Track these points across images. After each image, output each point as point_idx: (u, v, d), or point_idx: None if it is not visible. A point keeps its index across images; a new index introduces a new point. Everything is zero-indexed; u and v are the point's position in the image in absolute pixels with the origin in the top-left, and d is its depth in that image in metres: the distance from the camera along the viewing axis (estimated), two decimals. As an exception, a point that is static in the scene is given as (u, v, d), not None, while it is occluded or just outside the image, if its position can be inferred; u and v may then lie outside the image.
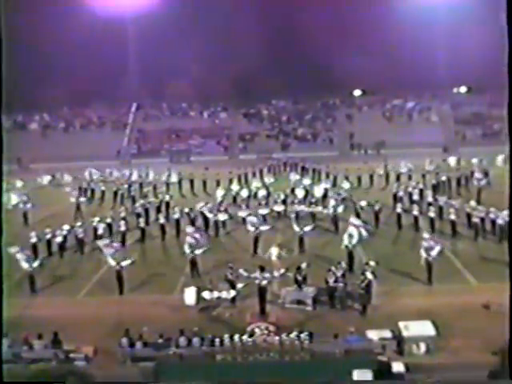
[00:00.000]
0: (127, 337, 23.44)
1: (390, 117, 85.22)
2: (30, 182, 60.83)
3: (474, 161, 59.38)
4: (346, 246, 32.54)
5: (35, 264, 31.27)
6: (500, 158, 58.10)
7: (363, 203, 42.32)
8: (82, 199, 48.62)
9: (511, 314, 16.32)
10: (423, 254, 30.35)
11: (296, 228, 36.43)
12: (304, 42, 77.26)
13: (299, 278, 28.42)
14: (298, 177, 57.96)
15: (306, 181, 55.24)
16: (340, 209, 41.74)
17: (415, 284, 30.08)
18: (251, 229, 37.02)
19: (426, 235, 32.16)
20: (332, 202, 43.04)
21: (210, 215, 41.69)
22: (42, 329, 24.16)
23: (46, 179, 63.70)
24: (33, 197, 52.03)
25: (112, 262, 30.51)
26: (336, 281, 27.83)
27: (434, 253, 30.38)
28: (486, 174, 54.55)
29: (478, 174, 51.85)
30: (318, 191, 49.15)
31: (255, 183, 54.88)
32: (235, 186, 52.58)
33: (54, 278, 33.26)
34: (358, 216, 41.75)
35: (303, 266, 29.16)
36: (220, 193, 49.99)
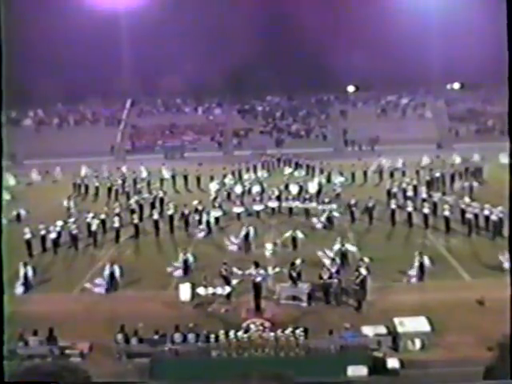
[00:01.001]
0: (122, 333, 23.50)
1: (384, 113, 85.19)
2: (23, 178, 60.82)
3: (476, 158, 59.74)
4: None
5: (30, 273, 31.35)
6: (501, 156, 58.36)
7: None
8: (72, 203, 47.91)
9: (512, 309, 16.31)
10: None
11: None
12: (298, 38, 77.16)
13: (294, 274, 28.51)
14: (290, 170, 59.09)
15: (300, 172, 57.23)
16: (334, 206, 41.91)
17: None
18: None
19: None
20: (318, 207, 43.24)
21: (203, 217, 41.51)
22: (37, 325, 24.19)
23: (40, 176, 63.74)
24: (26, 194, 52.43)
25: None
26: (330, 277, 27.95)
27: None
28: (479, 171, 54.85)
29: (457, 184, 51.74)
30: (312, 187, 49.26)
31: (247, 176, 55.27)
32: (229, 181, 52.73)
33: (48, 274, 33.27)
34: (352, 213, 42.07)
35: (297, 262, 29.26)
36: (214, 186, 50.20)
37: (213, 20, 77.28)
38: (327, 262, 28.94)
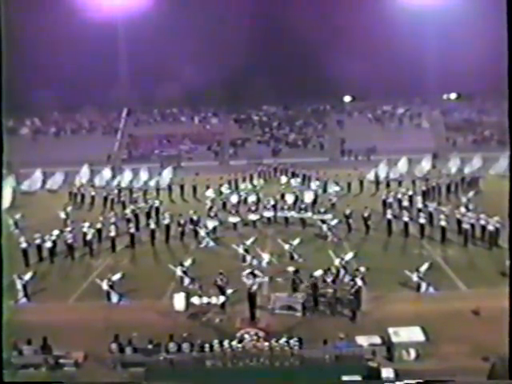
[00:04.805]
0: (117, 342, 23.45)
1: (381, 123, 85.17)
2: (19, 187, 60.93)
3: (473, 168, 60.12)
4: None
5: (27, 277, 31.23)
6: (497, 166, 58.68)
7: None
8: (68, 213, 47.60)
9: (511, 318, 16.42)
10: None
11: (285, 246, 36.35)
12: (294, 48, 77.32)
13: (297, 281, 28.53)
14: (286, 179, 59.51)
15: (296, 180, 57.83)
16: (329, 216, 41.96)
17: (405, 290, 30.14)
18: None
19: None
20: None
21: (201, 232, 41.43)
22: (32, 334, 24.14)
23: (38, 184, 63.87)
24: (22, 202, 52.54)
25: None
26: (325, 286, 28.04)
27: None
28: (476, 181, 54.92)
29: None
30: (308, 197, 49.31)
31: (244, 186, 55.35)
32: (225, 190, 52.83)
33: (44, 283, 33.20)
34: (348, 224, 42.07)
35: (290, 269, 29.35)
36: (210, 194, 50.33)
37: (209, 30, 77.36)
38: (319, 272, 28.90)
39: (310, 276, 28.48)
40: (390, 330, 23.50)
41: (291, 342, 22.32)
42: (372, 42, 74.82)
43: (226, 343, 22.40)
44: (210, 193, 51.34)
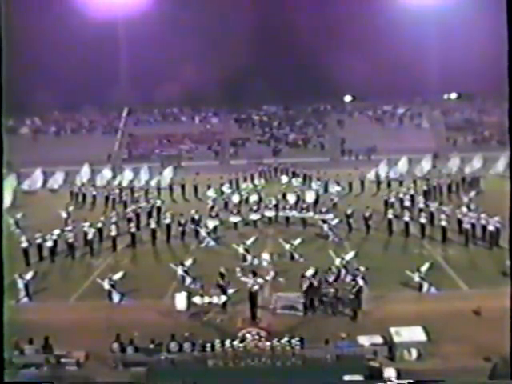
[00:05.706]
0: (118, 342, 23.43)
1: (381, 122, 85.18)
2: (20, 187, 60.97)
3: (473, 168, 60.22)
4: None
5: (28, 276, 31.20)
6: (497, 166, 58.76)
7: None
8: (69, 212, 47.45)
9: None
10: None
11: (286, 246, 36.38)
12: (294, 48, 77.34)
13: (315, 282, 28.48)
14: (286, 179, 59.49)
15: (297, 180, 57.82)
16: (331, 216, 41.91)
17: (406, 290, 30.13)
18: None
19: None
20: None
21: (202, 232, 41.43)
22: (33, 334, 24.11)
23: (38, 184, 63.91)
24: (23, 202, 52.53)
25: None
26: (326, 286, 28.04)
27: None
28: (476, 181, 54.93)
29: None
30: (310, 196, 49.27)
31: (245, 186, 55.23)
32: (226, 189, 52.80)
33: (45, 282, 33.18)
34: (349, 224, 42.05)
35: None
36: (211, 194, 50.29)
37: (209, 30, 77.34)
38: (311, 271, 28.88)
39: (302, 276, 28.48)
40: (392, 330, 23.45)
41: (293, 341, 22.25)
42: (372, 41, 74.82)
43: (227, 343, 22.32)
44: (211, 192, 51.33)
